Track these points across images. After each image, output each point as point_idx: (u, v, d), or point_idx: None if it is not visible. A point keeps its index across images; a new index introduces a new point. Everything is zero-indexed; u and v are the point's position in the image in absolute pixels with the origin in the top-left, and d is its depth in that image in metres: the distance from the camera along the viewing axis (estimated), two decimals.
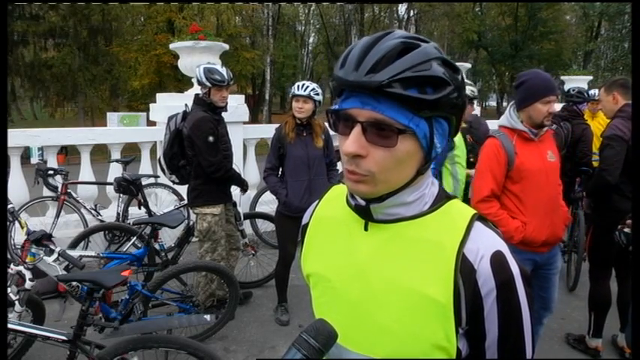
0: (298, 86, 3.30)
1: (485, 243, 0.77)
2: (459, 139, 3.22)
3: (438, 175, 3.20)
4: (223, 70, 3.31)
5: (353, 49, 0.76)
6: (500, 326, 0.76)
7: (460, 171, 3.23)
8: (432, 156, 0.78)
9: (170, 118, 3.47)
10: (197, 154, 3.30)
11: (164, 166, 3.55)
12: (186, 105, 3.49)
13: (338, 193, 0.95)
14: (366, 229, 0.84)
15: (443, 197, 0.83)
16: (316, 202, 1.01)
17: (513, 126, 2.48)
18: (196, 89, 5.29)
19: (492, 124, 8.42)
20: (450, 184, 3.18)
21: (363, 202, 0.81)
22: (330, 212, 0.94)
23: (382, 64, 0.71)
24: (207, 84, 3.27)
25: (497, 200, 2.49)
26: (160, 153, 5.04)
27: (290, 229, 3.46)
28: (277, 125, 3.62)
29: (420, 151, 0.76)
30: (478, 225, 0.80)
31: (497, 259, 0.76)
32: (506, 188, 2.47)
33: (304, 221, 1.01)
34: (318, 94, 3.32)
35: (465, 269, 0.75)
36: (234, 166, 3.61)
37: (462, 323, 0.76)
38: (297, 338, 0.74)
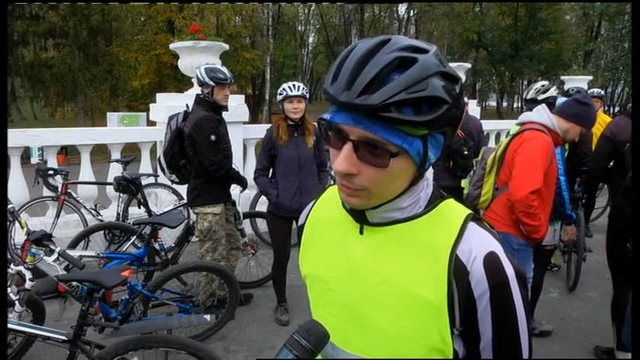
0: (290, 87, 3.30)
1: (479, 244, 0.76)
2: None
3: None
4: (224, 69, 3.33)
5: (345, 61, 0.71)
6: (495, 328, 0.76)
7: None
8: (426, 167, 0.77)
9: (171, 118, 3.47)
10: (198, 153, 3.30)
11: (164, 166, 3.55)
12: (187, 105, 3.50)
13: (334, 192, 0.94)
14: (361, 232, 0.83)
15: (437, 197, 0.83)
16: (312, 202, 1.00)
17: (555, 128, 2.53)
18: (197, 89, 5.30)
19: (492, 124, 8.42)
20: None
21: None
22: (327, 213, 0.94)
23: (376, 85, 0.68)
24: (211, 83, 3.27)
25: None
26: (159, 153, 5.03)
27: (282, 229, 3.49)
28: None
29: (413, 165, 0.75)
30: (472, 225, 0.79)
31: (491, 261, 0.75)
32: None
33: (300, 222, 1.01)
34: (307, 92, 3.37)
35: (457, 271, 0.74)
36: (233, 166, 3.62)
37: (457, 324, 0.76)
38: (288, 339, 0.74)
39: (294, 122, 3.36)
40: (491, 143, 7.82)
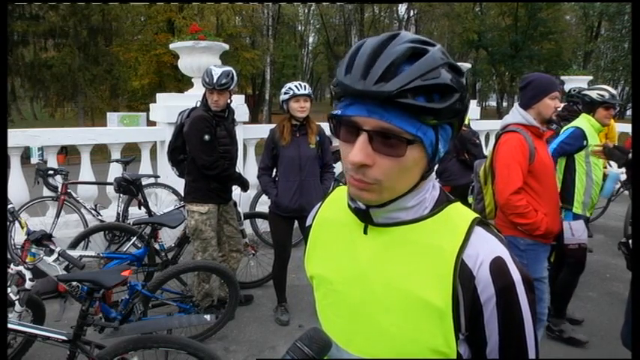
0: (297, 86, 3.31)
1: (486, 248, 0.76)
2: (592, 136, 3.17)
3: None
4: (216, 74, 3.18)
5: (359, 53, 0.73)
6: (502, 333, 0.75)
7: (596, 172, 3.18)
8: (435, 161, 0.77)
9: (180, 112, 3.54)
10: (191, 150, 3.33)
11: (167, 158, 3.65)
12: (197, 102, 3.51)
13: (341, 194, 0.94)
14: (365, 232, 0.83)
15: (444, 201, 0.83)
16: (319, 203, 1.00)
17: (530, 122, 2.55)
18: (196, 89, 5.33)
19: (492, 124, 8.43)
20: (584, 183, 3.15)
21: (363, 206, 0.81)
22: (333, 214, 0.93)
23: (392, 73, 0.69)
24: (203, 85, 3.29)
25: None
26: (159, 152, 5.02)
27: (283, 228, 3.50)
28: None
29: (425, 157, 0.75)
30: (479, 230, 0.79)
31: (498, 265, 0.75)
32: (525, 183, 2.51)
33: (308, 223, 1.01)
34: (311, 92, 3.43)
35: (463, 275, 0.74)
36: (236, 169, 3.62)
37: (462, 329, 0.75)
38: (291, 346, 0.75)
39: (298, 122, 3.37)
40: (492, 143, 7.81)
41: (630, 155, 2.85)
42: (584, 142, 3.14)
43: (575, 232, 3.18)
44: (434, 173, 0.83)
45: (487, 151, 2.99)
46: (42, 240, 2.43)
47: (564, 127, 3.34)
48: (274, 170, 3.54)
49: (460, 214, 0.81)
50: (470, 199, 3.07)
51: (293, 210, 3.37)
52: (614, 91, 3.29)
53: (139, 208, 4.84)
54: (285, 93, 3.34)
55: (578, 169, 3.17)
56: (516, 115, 2.61)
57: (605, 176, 3.25)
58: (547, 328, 3.34)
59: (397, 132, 0.70)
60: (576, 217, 3.18)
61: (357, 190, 0.77)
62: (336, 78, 0.76)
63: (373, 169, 0.73)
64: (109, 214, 5.02)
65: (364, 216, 0.82)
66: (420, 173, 0.77)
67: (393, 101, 0.69)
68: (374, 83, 0.69)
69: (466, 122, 4.52)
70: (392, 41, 0.73)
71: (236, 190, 3.72)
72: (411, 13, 32.28)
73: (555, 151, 3.17)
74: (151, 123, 6.22)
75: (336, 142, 4.91)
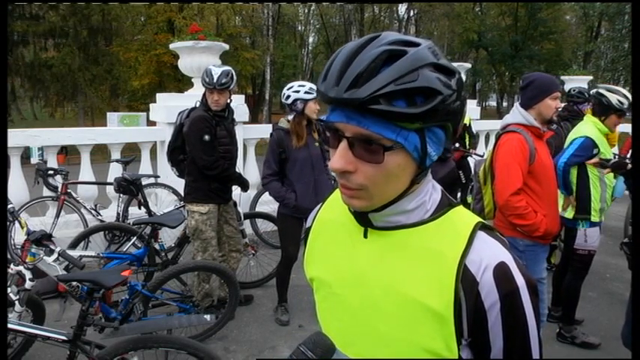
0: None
1: (489, 254, 0.75)
2: (602, 143, 3.16)
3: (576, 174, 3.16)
4: (216, 74, 3.19)
5: (336, 59, 0.71)
6: (506, 338, 0.74)
7: (608, 175, 3.17)
8: (427, 164, 0.75)
9: (180, 113, 3.54)
10: (191, 150, 3.33)
11: (167, 158, 3.64)
12: (196, 102, 3.50)
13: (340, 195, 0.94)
14: (365, 236, 0.82)
15: (446, 204, 0.81)
16: (319, 205, 1.00)
17: (530, 122, 2.54)
18: (196, 89, 5.34)
19: (492, 124, 8.43)
20: (599, 189, 3.15)
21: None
22: (333, 215, 0.92)
23: (364, 78, 0.67)
24: (202, 84, 3.29)
25: None
26: (159, 152, 5.01)
27: (294, 230, 3.46)
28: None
29: (413, 162, 0.73)
30: (481, 234, 0.77)
31: (501, 271, 0.73)
32: (525, 184, 2.50)
33: (308, 224, 1.00)
34: None
35: (466, 281, 0.73)
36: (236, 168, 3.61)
37: (465, 334, 0.74)
38: (294, 350, 0.74)
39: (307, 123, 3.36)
40: (492, 143, 7.81)
41: (629, 165, 2.84)
42: (595, 151, 3.11)
43: (589, 238, 3.19)
44: (429, 175, 0.81)
45: (487, 152, 2.98)
46: (42, 240, 2.42)
47: (570, 136, 3.30)
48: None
49: (462, 219, 0.79)
50: (469, 199, 3.07)
51: (311, 210, 3.31)
52: (631, 99, 3.19)
53: (139, 208, 4.84)
54: (308, 92, 3.24)
55: (592, 177, 3.16)
56: (517, 115, 2.59)
57: (614, 176, 3.23)
58: (559, 335, 3.36)
59: (376, 138, 0.69)
60: (593, 224, 3.18)
61: (347, 198, 0.76)
62: (317, 84, 0.74)
63: (356, 175, 0.72)
64: (109, 214, 5.02)
65: (364, 220, 0.81)
66: (410, 177, 0.75)
67: (367, 108, 0.67)
68: (345, 90, 0.68)
69: (467, 123, 4.51)
70: (369, 45, 0.70)
71: (236, 190, 3.72)
72: (411, 13, 32.30)
73: (567, 164, 3.16)
74: (151, 123, 6.23)
75: None
